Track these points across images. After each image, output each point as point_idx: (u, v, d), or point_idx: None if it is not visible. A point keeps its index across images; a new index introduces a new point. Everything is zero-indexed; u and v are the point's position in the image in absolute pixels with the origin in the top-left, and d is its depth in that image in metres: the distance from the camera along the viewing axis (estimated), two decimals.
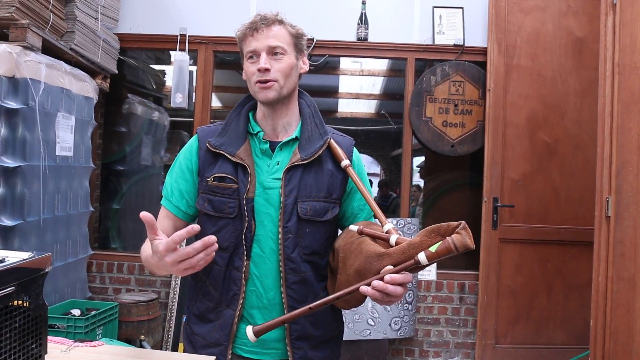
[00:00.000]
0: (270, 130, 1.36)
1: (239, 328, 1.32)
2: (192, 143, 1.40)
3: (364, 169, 1.44)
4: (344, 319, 1.47)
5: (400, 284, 1.08)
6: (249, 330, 1.15)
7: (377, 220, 1.28)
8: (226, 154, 1.31)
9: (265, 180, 1.31)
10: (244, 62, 1.34)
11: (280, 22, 1.31)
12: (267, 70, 1.27)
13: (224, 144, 1.32)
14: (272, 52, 1.29)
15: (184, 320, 1.58)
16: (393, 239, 1.16)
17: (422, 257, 1.06)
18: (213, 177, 1.31)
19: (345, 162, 1.32)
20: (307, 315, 1.28)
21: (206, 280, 1.35)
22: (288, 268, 1.29)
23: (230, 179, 1.30)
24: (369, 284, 1.09)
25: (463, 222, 1.06)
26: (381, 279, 1.08)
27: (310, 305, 1.14)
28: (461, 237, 1.03)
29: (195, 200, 1.36)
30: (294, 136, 1.34)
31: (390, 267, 1.09)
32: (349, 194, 1.38)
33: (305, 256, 1.30)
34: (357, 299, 1.24)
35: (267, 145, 1.34)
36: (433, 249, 1.06)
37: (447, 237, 1.05)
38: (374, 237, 1.21)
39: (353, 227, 1.26)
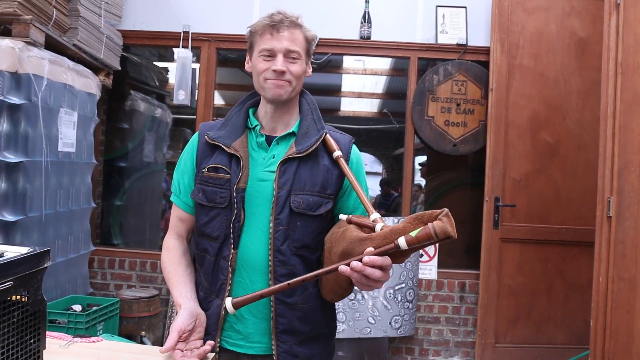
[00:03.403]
0: (270, 127, 1.38)
1: (225, 319, 1.32)
2: (194, 138, 1.43)
3: (363, 167, 1.44)
4: (344, 317, 1.46)
5: (379, 267, 1.09)
6: (228, 301, 1.16)
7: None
8: (222, 145, 1.33)
9: (259, 172, 1.33)
10: (254, 57, 1.35)
11: (300, 26, 1.34)
12: (283, 72, 1.30)
13: (221, 137, 1.35)
14: (289, 55, 1.31)
15: None
16: (379, 226, 1.17)
17: (401, 241, 1.07)
18: (208, 168, 1.34)
19: (337, 153, 1.33)
20: (295, 310, 1.30)
21: (200, 271, 1.38)
22: (277, 260, 1.29)
23: (223, 170, 1.32)
24: (348, 265, 1.10)
25: (446, 209, 1.06)
26: (361, 260, 1.09)
27: (289, 281, 1.16)
28: (442, 223, 1.03)
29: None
30: (291, 131, 1.36)
31: (370, 249, 1.10)
32: (345, 192, 1.38)
33: (295, 249, 1.30)
34: (343, 287, 1.25)
35: (263, 139, 1.36)
36: (413, 234, 1.06)
37: (428, 224, 1.05)
38: (361, 226, 1.22)
39: (342, 217, 1.28)
